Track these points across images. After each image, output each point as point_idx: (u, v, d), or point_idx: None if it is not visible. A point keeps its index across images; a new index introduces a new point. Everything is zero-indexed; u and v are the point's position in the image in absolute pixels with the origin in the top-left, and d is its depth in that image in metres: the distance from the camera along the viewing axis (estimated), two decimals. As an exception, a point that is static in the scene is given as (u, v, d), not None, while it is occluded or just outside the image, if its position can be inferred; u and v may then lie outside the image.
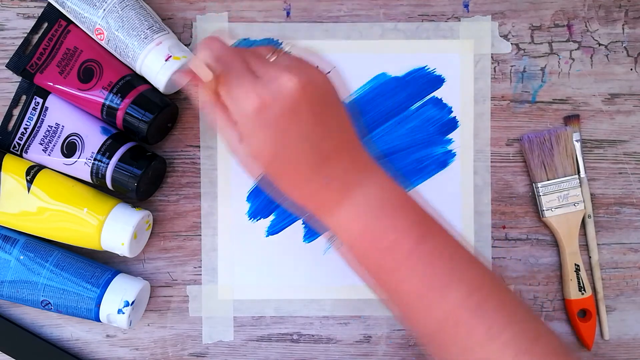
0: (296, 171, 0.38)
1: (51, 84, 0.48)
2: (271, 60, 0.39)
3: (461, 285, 0.37)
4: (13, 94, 0.50)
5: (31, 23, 0.50)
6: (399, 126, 0.52)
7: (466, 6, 0.52)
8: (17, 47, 0.49)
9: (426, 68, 0.52)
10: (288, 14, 0.52)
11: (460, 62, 0.52)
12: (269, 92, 0.37)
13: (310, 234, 0.52)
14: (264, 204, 0.52)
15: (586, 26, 0.52)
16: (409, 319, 0.39)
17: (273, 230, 0.52)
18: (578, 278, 0.51)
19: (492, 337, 0.36)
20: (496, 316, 0.37)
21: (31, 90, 0.49)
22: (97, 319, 0.48)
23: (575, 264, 0.51)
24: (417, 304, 0.38)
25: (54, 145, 0.48)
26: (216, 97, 0.39)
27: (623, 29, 0.52)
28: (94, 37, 0.48)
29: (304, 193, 0.39)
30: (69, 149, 0.48)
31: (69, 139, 0.48)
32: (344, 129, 0.40)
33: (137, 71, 0.48)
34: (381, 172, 0.40)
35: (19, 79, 0.50)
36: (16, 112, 0.50)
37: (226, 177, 0.52)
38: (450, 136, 0.52)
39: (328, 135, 0.38)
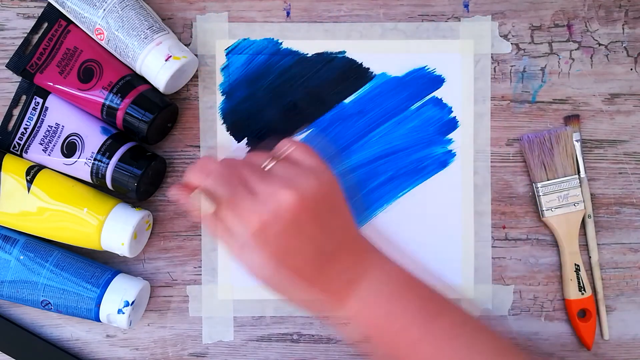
0: (297, 280, 0.38)
1: (51, 84, 0.48)
2: (267, 169, 0.39)
3: (476, 356, 0.38)
4: (13, 94, 0.50)
5: (31, 23, 0.50)
6: (399, 126, 0.52)
7: (466, 6, 0.52)
8: (17, 47, 0.49)
9: (426, 68, 0.52)
10: (288, 14, 0.52)
11: (461, 62, 0.52)
12: (268, 212, 0.36)
13: (310, 234, 0.52)
14: (264, 204, 0.52)
15: (586, 26, 0.52)
16: None
17: (273, 230, 0.52)
18: (578, 278, 0.51)
19: None
20: None
21: (31, 90, 0.49)
22: (97, 319, 0.48)
23: (575, 264, 0.51)
24: None
25: (54, 145, 0.48)
26: (214, 214, 0.38)
27: (623, 29, 0.52)
28: (94, 37, 0.48)
29: (307, 298, 0.39)
30: (69, 149, 0.48)
31: (69, 139, 0.48)
32: (345, 224, 0.40)
33: (137, 71, 0.48)
34: (382, 257, 0.40)
35: (19, 79, 0.50)
36: (16, 112, 0.50)
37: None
38: (450, 136, 0.52)
39: (330, 235, 0.38)
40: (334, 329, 0.41)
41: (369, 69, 0.51)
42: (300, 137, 0.52)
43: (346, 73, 0.51)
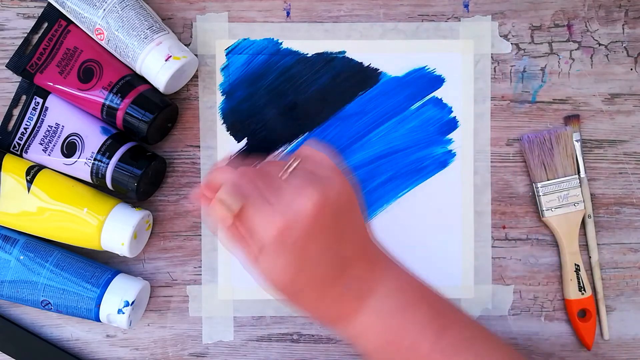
0: (314, 288, 0.38)
1: (51, 84, 0.48)
2: (283, 178, 0.38)
3: None
4: (13, 94, 0.50)
5: (31, 23, 0.50)
6: (399, 126, 0.52)
7: (466, 6, 0.52)
8: (17, 47, 0.49)
9: (426, 68, 0.52)
10: (288, 14, 0.52)
11: (461, 62, 0.52)
12: (286, 220, 0.36)
13: (310, 234, 0.52)
14: (264, 204, 0.52)
15: (586, 26, 0.52)
16: None
17: (273, 230, 0.52)
18: (578, 278, 0.51)
19: None
20: None
21: (31, 90, 0.49)
22: (97, 319, 0.48)
23: (575, 264, 0.51)
24: None
25: (54, 145, 0.48)
26: (230, 221, 0.38)
27: (623, 29, 0.52)
28: (94, 37, 0.48)
29: (321, 307, 0.39)
30: (69, 149, 0.48)
31: (69, 139, 0.48)
32: (360, 230, 0.39)
33: (137, 71, 0.48)
34: (394, 266, 0.40)
35: (19, 79, 0.50)
36: (16, 112, 0.50)
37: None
38: (450, 136, 0.52)
39: (347, 242, 0.38)
40: (346, 340, 0.41)
41: (377, 69, 0.51)
42: (303, 139, 0.52)
43: (352, 75, 0.51)
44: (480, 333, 0.40)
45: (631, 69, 0.52)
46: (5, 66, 0.49)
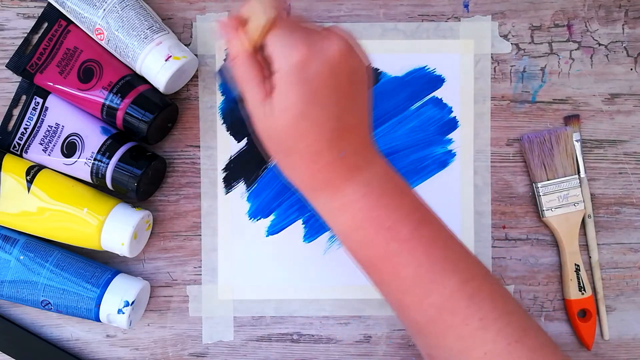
0: (314, 139, 0.38)
1: (51, 84, 0.48)
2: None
3: (457, 273, 0.38)
4: (13, 94, 0.50)
5: (31, 23, 0.50)
6: (399, 126, 0.52)
7: (466, 6, 0.52)
8: (17, 47, 0.49)
9: (426, 68, 0.52)
10: (288, 14, 0.52)
11: (460, 62, 0.52)
12: (310, 52, 0.36)
13: (310, 234, 0.52)
14: (264, 204, 0.52)
15: (586, 26, 0.52)
16: (404, 307, 0.39)
17: (273, 230, 0.52)
18: (578, 278, 0.51)
19: (486, 326, 0.37)
20: (489, 306, 0.38)
21: (31, 90, 0.49)
22: (97, 319, 0.48)
23: (575, 264, 0.51)
24: (414, 290, 0.38)
25: (54, 145, 0.48)
26: (252, 49, 0.38)
27: (623, 29, 0.52)
28: (94, 37, 0.48)
29: (312, 169, 0.39)
30: (69, 149, 0.48)
31: (69, 139, 0.48)
32: (364, 110, 0.40)
33: (137, 71, 0.48)
34: (382, 157, 0.41)
35: (19, 79, 0.50)
36: (16, 112, 0.50)
37: (226, 177, 0.52)
38: (450, 136, 0.52)
39: (352, 110, 0.38)
40: (325, 215, 0.40)
41: (377, 69, 0.51)
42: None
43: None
44: (454, 237, 0.40)
45: (631, 69, 0.52)
46: (5, 66, 0.49)
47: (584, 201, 0.51)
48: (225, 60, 0.42)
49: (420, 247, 0.38)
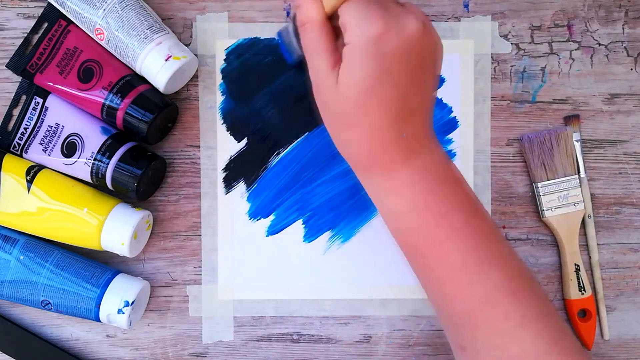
0: (379, 116, 0.37)
1: (51, 84, 0.48)
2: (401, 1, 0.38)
3: (502, 269, 0.38)
4: (13, 94, 0.50)
5: (31, 23, 0.50)
6: (399, 126, 0.52)
7: (466, 6, 0.52)
8: (17, 47, 0.49)
9: (426, 68, 0.52)
10: (288, 14, 0.52)
11: (460, 62, 0.52)
12: (394, 25, 0.36)
13: (310, 234, 0.52)
14: (264, 204, 0.52)
15: (586, 26, 0.52)
16: (444, 296, 0.39)
17: (273, 230, 0.52)
18: (578, 278, 0.51)
19: (526, 325, 0.37)
20: (531, 305, 0.38)
21: (31, 90, 0.49)
22: (97, 319, 0.48)
23: (575, 264, 0.51)
24: (458, 279, 0.38)
25: (54, 145, 0.48)
26: (327, 16, 0.37)
27: (623, 29, 0.52)
28: (94, 37, 0.48)
29: (372, 146, 0.38)
30: (69, 149, 0.48)
31: (69, 139, 0.48)
32: (429, 94, 0.39)
33: (137, 71, 0.48)
34: (439, 145, 0.41)
35: (19, 79, 0.50)
36: (16, 112, 0.50)
37: (226, 177, 0.52)
38: (450, 136, 0.52)
39: (420, 92, 0.38)
40: (374, 194, 0.40)
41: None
42: (304, 139, 0.52)
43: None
44: (501, 234, 0.40)
45: (631, 69, 0.52)
46: (5, 66, 0.49)
47: (584, 201, 0.51)
48: (290, 24, 0.41)
49: (470, 237, 0.38)
